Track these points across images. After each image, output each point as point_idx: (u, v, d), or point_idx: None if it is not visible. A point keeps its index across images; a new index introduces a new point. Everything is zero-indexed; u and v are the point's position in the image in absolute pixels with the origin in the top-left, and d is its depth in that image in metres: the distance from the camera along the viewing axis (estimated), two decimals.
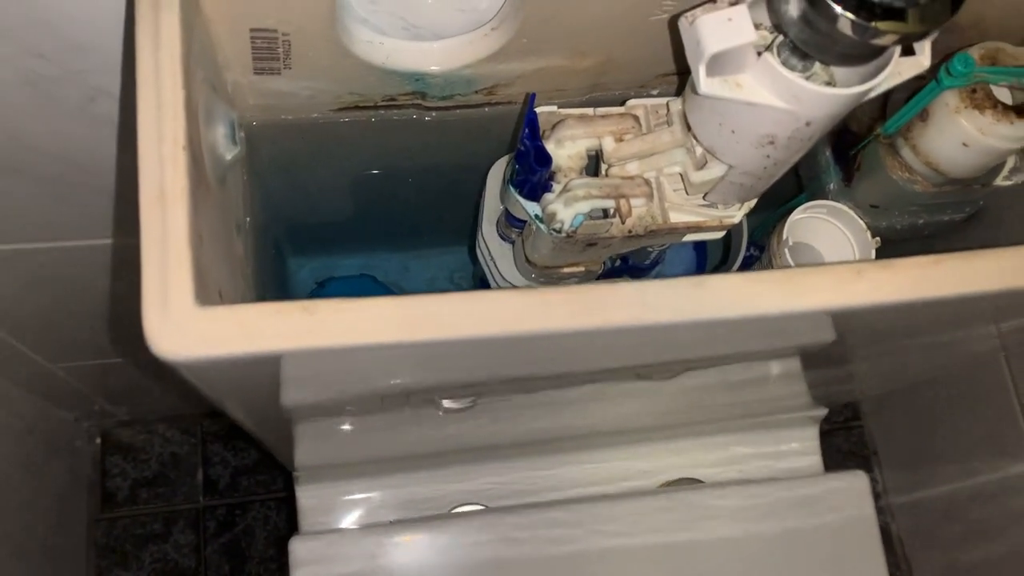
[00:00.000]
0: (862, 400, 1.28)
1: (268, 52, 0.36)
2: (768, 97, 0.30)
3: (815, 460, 0.71)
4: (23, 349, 0.77)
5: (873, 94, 0.30)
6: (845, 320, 0.33)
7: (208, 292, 0.28)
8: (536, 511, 0.63)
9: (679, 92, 0.38)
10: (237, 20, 0.34)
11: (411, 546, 0.61)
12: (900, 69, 0.30)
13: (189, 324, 0.26)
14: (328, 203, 0.51)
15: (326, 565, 0.59)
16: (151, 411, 1.08)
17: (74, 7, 0.35)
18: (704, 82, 0.30)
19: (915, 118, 0.39)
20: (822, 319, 0.33)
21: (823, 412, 0.70)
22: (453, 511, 0.65)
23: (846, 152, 0.43)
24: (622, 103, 0.39)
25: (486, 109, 0.42)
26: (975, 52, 0.38)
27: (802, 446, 0.70)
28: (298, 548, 0.59)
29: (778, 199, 0.47)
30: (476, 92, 0.41)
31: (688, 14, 0.30)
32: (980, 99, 0.37)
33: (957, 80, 0.36)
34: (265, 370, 0.29)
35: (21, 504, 0.87)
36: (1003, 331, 0.57)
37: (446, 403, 0.60)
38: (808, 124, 0.31)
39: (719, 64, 0.30)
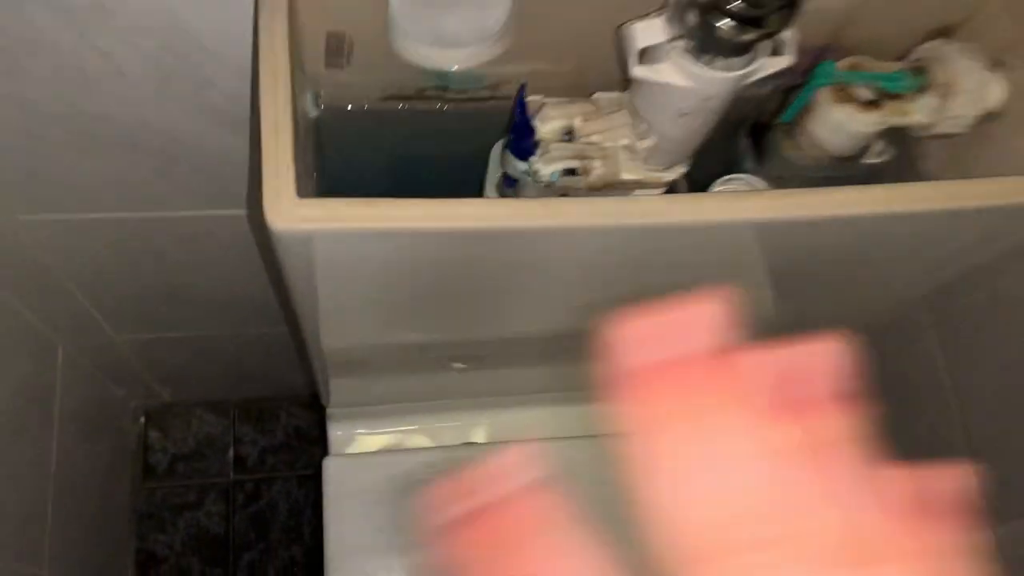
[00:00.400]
0: None
1: (337, 50, 0.51)
2: (678, 79, 0.44)
3: None
4: (98, 316, 0.92)
5: (749, 80, 0.45)
6: (759, 238, 0.47)
7: (302, 189, 0.42)
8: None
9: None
10: (318, 25, 0.49)
11: (423, 465, 0.74)
12: (770, 64, 0.45)
13: (294, 209, 0.40)
14: (365, 181, 0.65)
15: (351, 479, 0.72)
16: (190, 394, 1.22)
17: (206, 18, 0.50)
18: (634, 68, 0.44)
19: (803, 109, 0.53)
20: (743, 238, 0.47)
21: None
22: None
23: (758, 138, 0.57)
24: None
25: (490, 102, 0.57)
26: (845, 62, 0.53)
27: None
28: (330, 466, 0.73)
29: (713, 178, 0.61)
30: (484, 88, 0.56)
31: (626, 24, 0.45)
32: (844, 95, 0.51)
33: (824, 80, 0.50)
34: (337, 251, 0.43)
35: (76, 472, 1.00)
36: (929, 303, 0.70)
37: (456, 365, 0.74)
38: (707, 99, 0.45)
39: (646, 57, 0.44)
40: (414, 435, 0.78)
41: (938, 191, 0.47)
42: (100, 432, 1.10)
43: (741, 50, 0.43)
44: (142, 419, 1.22)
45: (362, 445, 0.77)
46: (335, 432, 0.77)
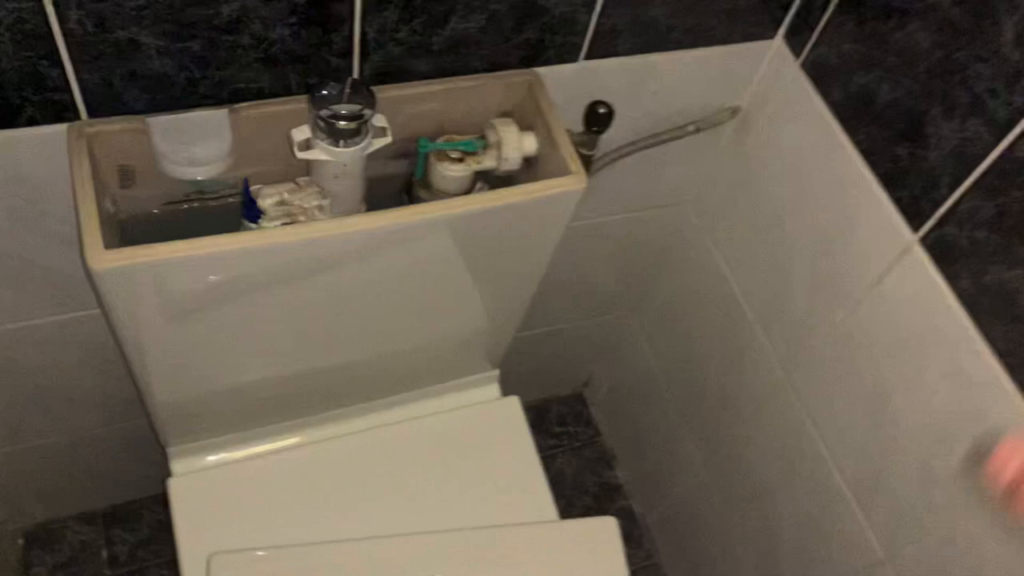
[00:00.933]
0: (604, 431, 1.73)
1: (126, 176, 0.82)
2: (323, 156, 0.78)
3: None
4: None
5: (364, 153, 0.79)
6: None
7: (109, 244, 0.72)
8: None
9: None
10: (111, 161, 0.80)
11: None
12: (375, 143, 0.79)
13: (102, 255, 0.70)
14: None
15: (199, 493, 0.98)
16: (61, 510, 1.42)
17: (39, 169, 0.80)
18: (297, 154, 0.78)
19: (425, 168, 0.88)
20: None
21: (496, 372, 1.15)
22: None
23: (409, 191, 0.92)
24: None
25: (231, 199, 0.89)
26: (442, 137, 0.88)
27: (484, 395, 1.15)
28: (174, 485, 0.98)
29: None
30: (228, 188, 0.88)
31: (290, 130, 0.78)
32: (443, 156, 0.87)
33: (424, 149, 0.86)
34: (139, 282, 0.73)
35: None
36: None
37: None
38: (346, 165, 0.79)
39: (304, 146, 0.78)
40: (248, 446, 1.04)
41: (485, 197, 0.83)
42: None
43: (353, 135, 0.78)
44: (20, 540, 1.41)
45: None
46: (177, 466, 1.03)
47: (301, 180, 0.86)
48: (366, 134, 0.79)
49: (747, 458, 1.29)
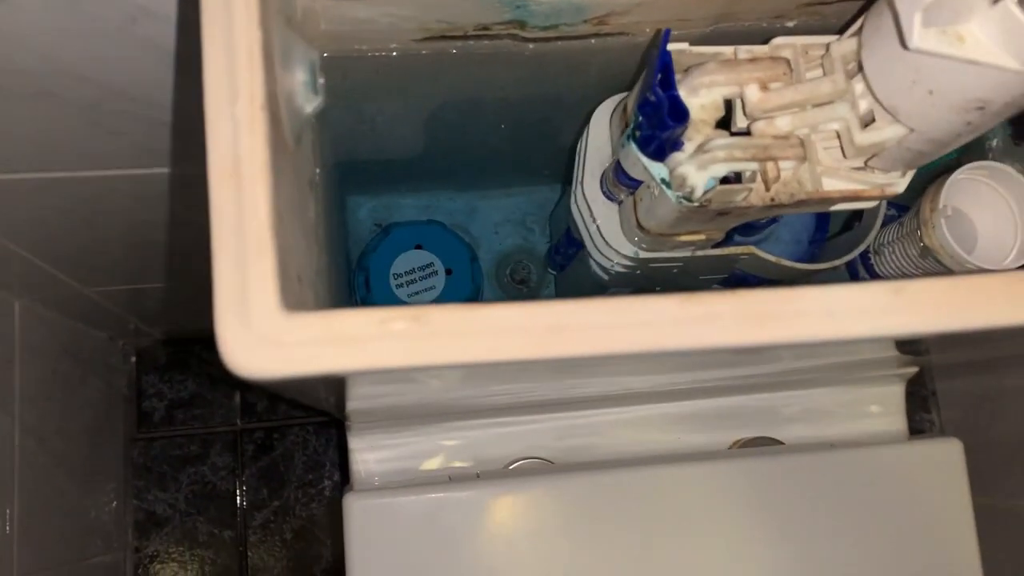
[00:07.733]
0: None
1: None
2: (998, 55, 0.23)
3: (900, 421, 0.66)
4: (56, 274, 0.73)
5: None
6: None
7: (290, 285, 0.22)
8: (601, 471, 0.59)
9: (838, 28, 0.32)
10: None
11: (468, 505, 0.57)
12: None
13: (275, 335, 0.21)
14: (396, 140, 0.45)
15: (381, 523, 0.56)
16: (186, 331, 1.05)
17: None
18: (918, 33, 0.23)
19: None
20: None
21: (912, 370, 0.65)
22: (511, 466, 0.61)
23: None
24: (764, 41, 0.33)
25: (592, 41, 0.36)
26: None
27: (884, 407, 0.66)
28: (352, 505, 0.56)
29: None
30: (585, 21, 0.35)
31: None
32: None
33: None
34: (361, 381, 0.24)
35: (61, 420, 0.84)
36: None
37: None
38: None
39: (938, 11, 0.23)
40: (456, 451, 0.60)
41: None
42: (84, 377, 0.94)
43: None
44: (133, 359, 1.05)
45: (392, 467, 0.60)
46: (358, 453, 0.60)
47: (791, 46, 0.32)
48: None
49: None
